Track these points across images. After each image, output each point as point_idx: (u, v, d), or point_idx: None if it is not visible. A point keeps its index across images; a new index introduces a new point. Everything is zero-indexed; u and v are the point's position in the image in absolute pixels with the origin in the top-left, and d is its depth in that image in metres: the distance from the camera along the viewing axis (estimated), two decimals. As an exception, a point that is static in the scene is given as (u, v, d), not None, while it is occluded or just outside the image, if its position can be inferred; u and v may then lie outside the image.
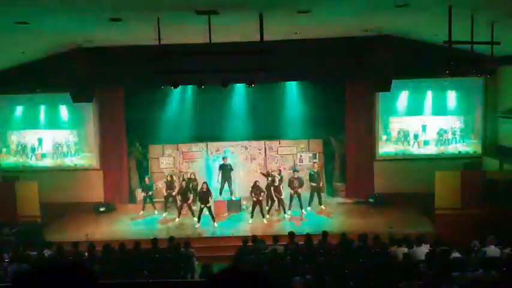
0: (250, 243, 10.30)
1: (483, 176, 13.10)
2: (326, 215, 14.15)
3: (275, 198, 13.79)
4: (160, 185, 15.38)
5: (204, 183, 13.64)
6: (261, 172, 14.70)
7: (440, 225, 12.22)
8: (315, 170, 14.45)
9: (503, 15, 9.27)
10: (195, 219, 13.55)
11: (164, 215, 14.39)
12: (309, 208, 14.21)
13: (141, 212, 14.64)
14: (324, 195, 15.08)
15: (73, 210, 14.69)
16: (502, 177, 12.86)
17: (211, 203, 13.62)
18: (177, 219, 13.88)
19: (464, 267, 8.10)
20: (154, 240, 10.47)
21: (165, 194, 14.51)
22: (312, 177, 14.31)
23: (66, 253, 10.14)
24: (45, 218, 13.62)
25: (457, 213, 12.29)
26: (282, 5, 8.93)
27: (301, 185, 14.07)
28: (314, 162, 15.26)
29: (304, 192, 14.29)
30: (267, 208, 13.89)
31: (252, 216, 13.60)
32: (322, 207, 14.39)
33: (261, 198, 13.52)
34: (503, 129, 14.61)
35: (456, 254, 8.86)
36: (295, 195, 13.96)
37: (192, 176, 14.47)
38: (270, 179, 13.86)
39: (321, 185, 14.58)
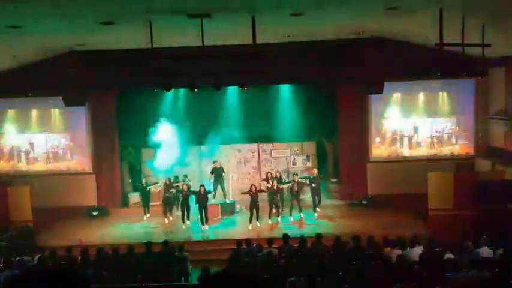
0: (244, 246, 10.29)
1: (475, 176, 13.18)
2: (320, 217, 14.15)
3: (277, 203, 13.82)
4: (154, 188, 15.34)
5: (201, 185, 13.65)
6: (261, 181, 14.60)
7: (433, 226, 12.28)
8: (314, 175, 14.39)
9: (493, 18, 9.36)
10: (200, 224, 13.50)
11: (166, 220, 14.34)
12: (316, 215, 14.15)
13: (148, 215, 14.58)
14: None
15: (66, 214, 14.59)
16: (494, 178, 12.94)
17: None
18: (187, 222, 13.80)
19: (458, 268, 8.14)
20: (148, 244, 10.42)
21: (163, 198, 14.43)
22: (311, 182, 14.30)
23: (59, 258, 10.07)
24: (37, 222, 13.53)
25: (449, 214, 12.35)
26: (275, 7, 8.96)
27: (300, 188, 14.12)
28: (313, 168, 15.14)
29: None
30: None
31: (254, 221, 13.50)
32: (318, 209, 14.39)
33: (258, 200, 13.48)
34: (494, 130, 14.71)
35: (449, 255, 8.89)
36: (294, 199, 13.94)
37: (167, 182, 14.37)
38: (270, 183, 13.88)
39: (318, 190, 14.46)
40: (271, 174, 14.44)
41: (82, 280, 1.80)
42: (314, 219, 13.97)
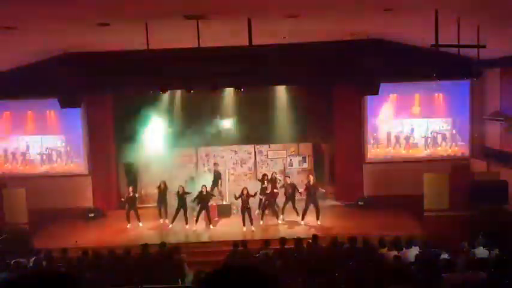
0: (240, 248, 10.29)
1: (471, 177, 13.21)
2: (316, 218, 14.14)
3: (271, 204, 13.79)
4: (149, 190, 15.30)
5: (203, 186, 13.71)
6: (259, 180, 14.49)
7: (429, 227, 12.31)
8: (311, 183, 13.61)
9: (488, 19, 9.40)
10: (194, 219, 13.58)
11: (161, 220, 14.27)
12: (302, 222, 13.55)
13: (129, 224, 14.11)
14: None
15: (62, 216, 14.52)
16: (489, 179, 12.98)
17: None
18: (170, 225, 13.85)
19: (454, 268, 8.16)
20: (145, 246, 10.41)
21: (157, 200, 14.36)
22: (308, 190, 13.61)
23: (54, 260, 10.04)
24: (33, 224, 13.48)
25: (445, 214, 12.38)
26: (271, 9, 8.97)
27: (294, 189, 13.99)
28: (309, 175, 14.43)
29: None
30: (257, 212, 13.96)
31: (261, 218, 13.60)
32: (318, 222, 13.55)
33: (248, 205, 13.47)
34: (490, 131, 14.77)
35: (445, 256, 8.92)
36: (289, 200, 13.89)
37: (162, 185, 14.23)
38: (266, 184, 13.88)
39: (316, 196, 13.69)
40: (266, 176, 14.37)
41: (77, 283, 1.79)
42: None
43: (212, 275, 1.76)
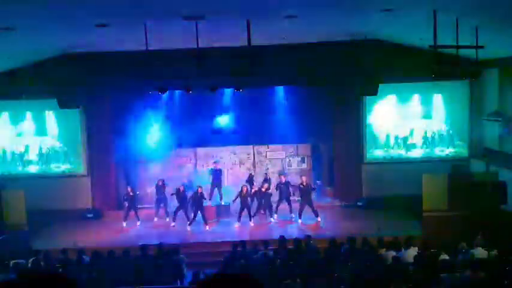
0: (239, 248, 10.28)
1: (470, 178, 13.22)
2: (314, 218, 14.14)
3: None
4: (149, 190, 15.30)
5: (198, 187, 13.70)
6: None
7: (428, 227, 12.30)
8: (304, 184, 13.67)
9: (487, 20, 9.42)
10: (188, 222, 13.60)
11: (156, 219, 14.39)
12: (299, 221, 13.64)
13: (124, 223, 14.09)
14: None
15: (61, 217, 14.50)
16: (488, 179, 12.98)
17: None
18: (173, 224, 13.90)
19: (452, 269, 8.17)
20: (144, 247, 10.40)
21: (156, 198, 14.42)
22: (301, 191, 13.75)
23: (53, 261, 10.03)
24: (32, 225, 13.45)
25: (444, 215, 12.38)
26: (269, 10, 8.97)
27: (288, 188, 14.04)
28: (302, 176, 14.36)
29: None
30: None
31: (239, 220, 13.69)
32: (318, 219, 13.67)
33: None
34: (488, 132, 14.78)
35: (444, 256, 8.93)
36: (284, 199, 13.96)
37: (160, 183, 14.28)
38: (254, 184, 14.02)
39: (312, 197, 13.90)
40: (252, 175, 14.42)
41: (73, 284, 1.79)
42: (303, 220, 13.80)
43: (207, 283, 1.77)
